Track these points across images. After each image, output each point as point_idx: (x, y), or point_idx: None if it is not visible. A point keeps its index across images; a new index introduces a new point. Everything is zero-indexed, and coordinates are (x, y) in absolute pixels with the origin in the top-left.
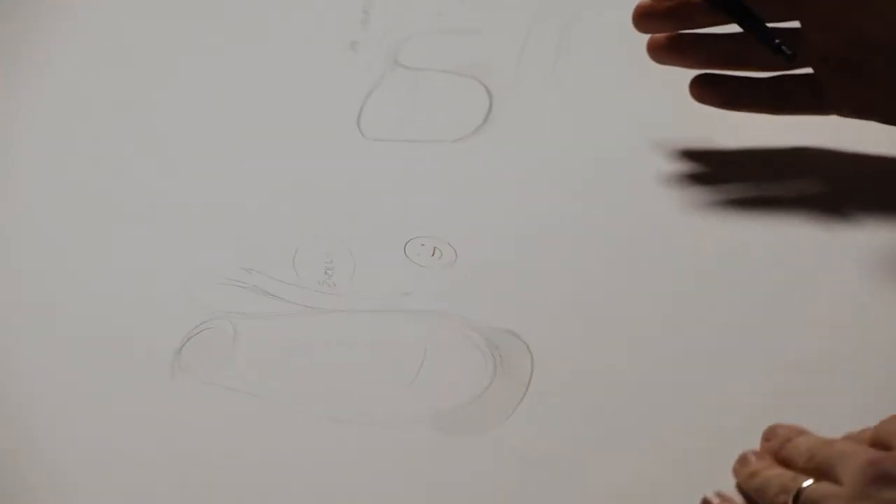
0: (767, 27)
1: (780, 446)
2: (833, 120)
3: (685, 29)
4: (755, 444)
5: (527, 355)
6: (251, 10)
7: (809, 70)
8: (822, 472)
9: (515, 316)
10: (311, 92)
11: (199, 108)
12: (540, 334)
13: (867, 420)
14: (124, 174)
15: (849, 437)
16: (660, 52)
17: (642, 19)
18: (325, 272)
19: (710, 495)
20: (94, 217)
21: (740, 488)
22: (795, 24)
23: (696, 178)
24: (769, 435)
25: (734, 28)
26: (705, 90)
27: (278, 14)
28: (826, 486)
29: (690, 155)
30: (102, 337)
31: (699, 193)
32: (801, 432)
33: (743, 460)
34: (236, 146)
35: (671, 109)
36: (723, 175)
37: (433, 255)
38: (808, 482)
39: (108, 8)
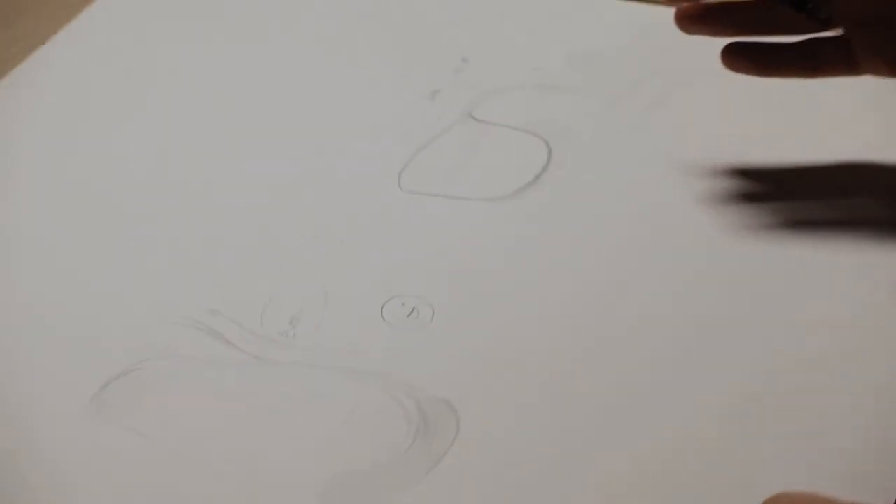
0: None
1: None
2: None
3: None
4: None
5: (453, 430)
6: (346, 52)
7: (839, 31)
8: None
9: (460, 389)
10: (363, 135)
11: (216, 128)
12: (477, 412)
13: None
14: (116, 193)
15: None
16: (687, 22)
17: None
18: (290, 322)
19: None
20: (79, 232)
21: None
22: None
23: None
24: None
25: None
26: (736, 58)
27: (374, 55)
28: None
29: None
30: (34, 358)
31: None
32: None
33: None
34: (242, 181)
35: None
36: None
37: (409, 315)
38: None
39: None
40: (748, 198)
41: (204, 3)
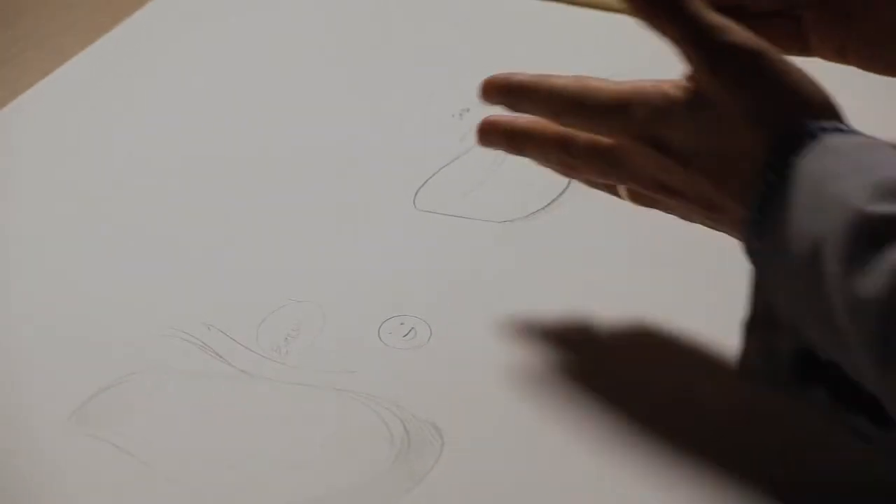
0: None
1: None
2: None
3: None
4: None
5: (436, 451)
6: (371, 64)
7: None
8: None
9: (447, 412)
10: (384, 153)
11: (223, 146)
12: (461, 435)
13: None
14: (115, 202)
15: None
16: None
17: None
18: (286, 339)
19: None
20: (75, 239)
21: None
22: None
23: None
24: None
25: None
26: None
27: (406, 72)
28: None
29: None
30: (23, 367)
31: None
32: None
33: None
34: (263, 193)
35: None
36: None
37: (406, 335)
38: None
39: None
40: None
41: (214, 21)
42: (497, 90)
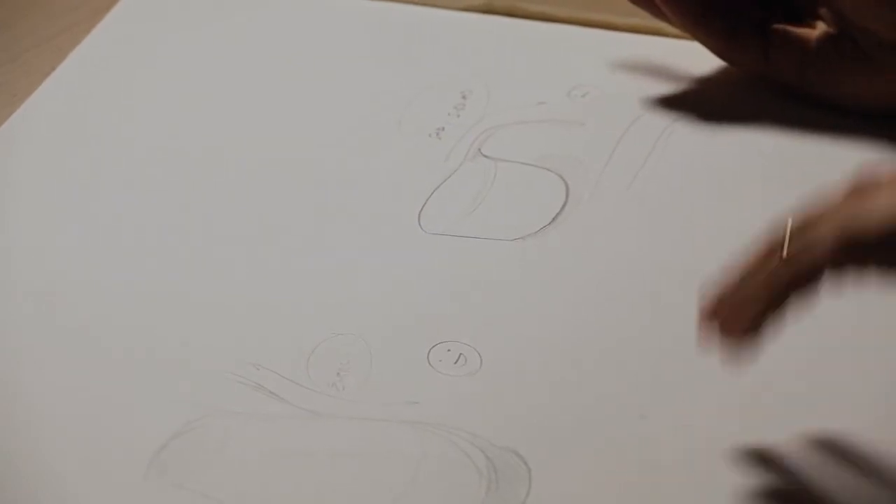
0: None
1: None
2: None
3: None
4: None
5: (525, 480)
6: (338, 84)
7: None
8: None
9: (524, 436)
10: (375, 177)
11: (237, 175)
12: (546, 459)
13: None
14: (144, 244)
15: None
16: None
17: None
18: (338, 374)
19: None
20: (98, 289)
21: None
22: None
23: None
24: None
25: None
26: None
27: (374, 94)
28: None
29: None
30: (86, 424)
31: None
32: None
33: None
34: (277, 230)
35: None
36: None
37: (456, 362)
38: None
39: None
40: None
41: (207, 41)
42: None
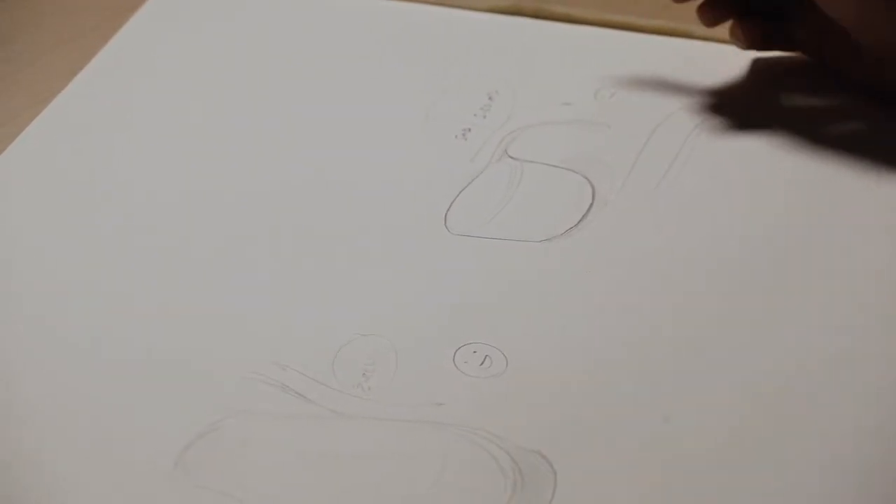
0: None
1: None
2: None
3: None
4: None
5: (551, 482)
6: (365, 85)
7: None
8: None
9: (549, 437)
10: (401, 178)
11: (267, 181)
12: (571, 461)
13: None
14: (175, 245)
15: None
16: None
17: None
18: (364, 374)
19: None
20: (124, 287)
21: None
22: None
23: None
24: None
25: None
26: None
27: (391, 93)
28: None
29: None
30: (110, 424)
31: None
32: None
33: None
34: (304, 230)
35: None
36: None
37: (482, 363)
38: None
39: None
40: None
41: (234, 41)
42: None
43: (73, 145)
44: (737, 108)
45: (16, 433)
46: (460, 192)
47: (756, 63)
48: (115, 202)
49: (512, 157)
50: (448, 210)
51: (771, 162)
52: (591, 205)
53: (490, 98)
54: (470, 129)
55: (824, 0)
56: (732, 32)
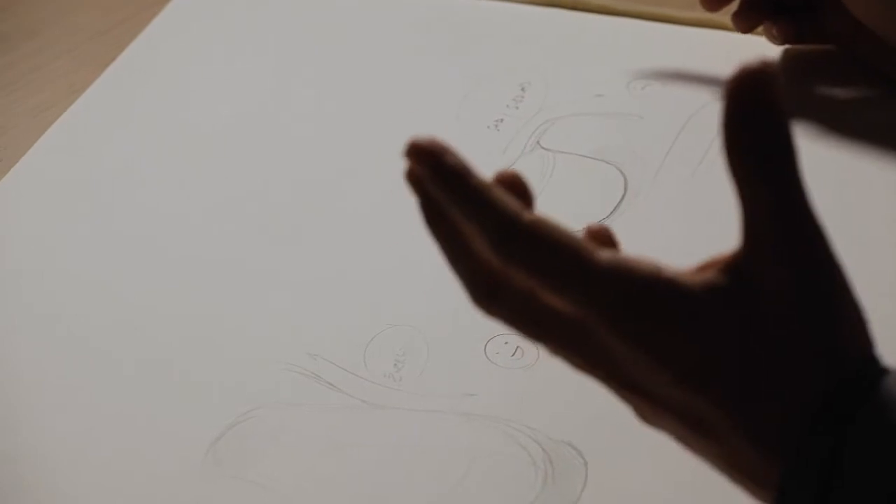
0: None
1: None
2: None
3: None
4: None
5: (582, 474)
6: (398, 76)
7: None
8: None
9: (581, 429)
10: None
11: (294, 174)
12: (602, 453)
13: None
14: (203, 237)
15: None
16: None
17: None
18: (395, 365)
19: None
20: (154, 276)
21: None
22: None
23: None
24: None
25: None
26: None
27: (424, 84)
28: None
29: None
30: (142, 415)
31: None
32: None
33: None
34: (336, 222)
35: None
36: None
37: (513, 354)
38: None
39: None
40: None
41: (267, 33)
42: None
43: (102, 138)
44: None
45: (51, 426)
46: None
47: (788, 54)
48: (148, 196)
49: (544, 148)
50: None
51: (803, 152)
52: (624, 196)
53: (522, 89)
54: (502, 120)
55: (850, 1)
56: (767, 31)
